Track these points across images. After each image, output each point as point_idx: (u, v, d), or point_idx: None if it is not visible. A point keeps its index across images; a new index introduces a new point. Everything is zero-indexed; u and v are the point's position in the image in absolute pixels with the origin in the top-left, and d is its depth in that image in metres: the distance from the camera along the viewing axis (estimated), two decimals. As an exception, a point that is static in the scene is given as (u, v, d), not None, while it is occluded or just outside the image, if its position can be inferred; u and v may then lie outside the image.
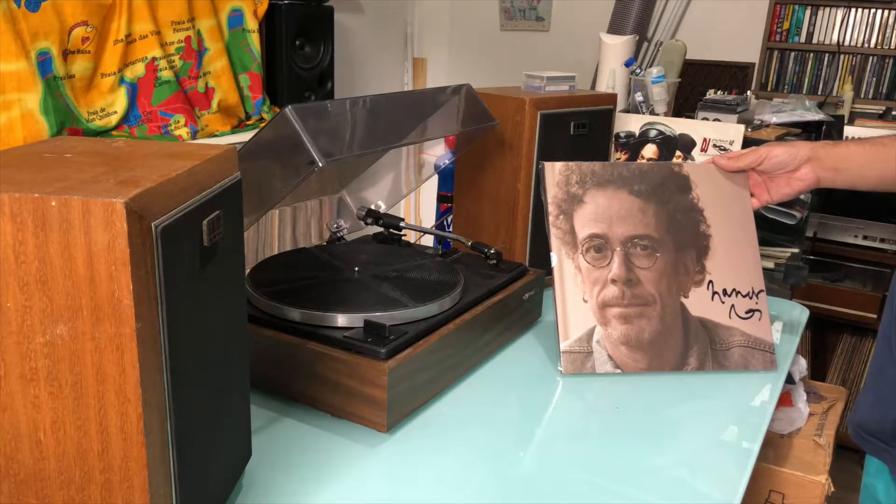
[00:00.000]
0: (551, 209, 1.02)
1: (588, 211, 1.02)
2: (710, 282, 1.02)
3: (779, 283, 1.59)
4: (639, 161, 1.45)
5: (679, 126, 1.43)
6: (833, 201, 2.51)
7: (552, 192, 1.03)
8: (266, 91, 2.53)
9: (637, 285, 1.00)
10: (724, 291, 1.02)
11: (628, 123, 1.47)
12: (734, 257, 1.04)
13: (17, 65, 1.79)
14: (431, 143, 1.31)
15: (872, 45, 2.98)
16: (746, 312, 1.02)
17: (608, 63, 1.89)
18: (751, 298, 1.03)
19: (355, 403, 0.83)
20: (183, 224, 0.53)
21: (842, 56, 3.01)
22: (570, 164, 1.04)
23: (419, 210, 2.48)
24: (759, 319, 1.02)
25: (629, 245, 1.01)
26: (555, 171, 1.04)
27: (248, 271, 0.99)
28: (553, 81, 1.29)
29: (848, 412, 2.40)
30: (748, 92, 2.83)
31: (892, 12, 2.92)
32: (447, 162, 1.39)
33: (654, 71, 1.76)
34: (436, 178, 1.54)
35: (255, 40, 2.43)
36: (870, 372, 1.00)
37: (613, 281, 1.00)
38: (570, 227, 1.02)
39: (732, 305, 1.02)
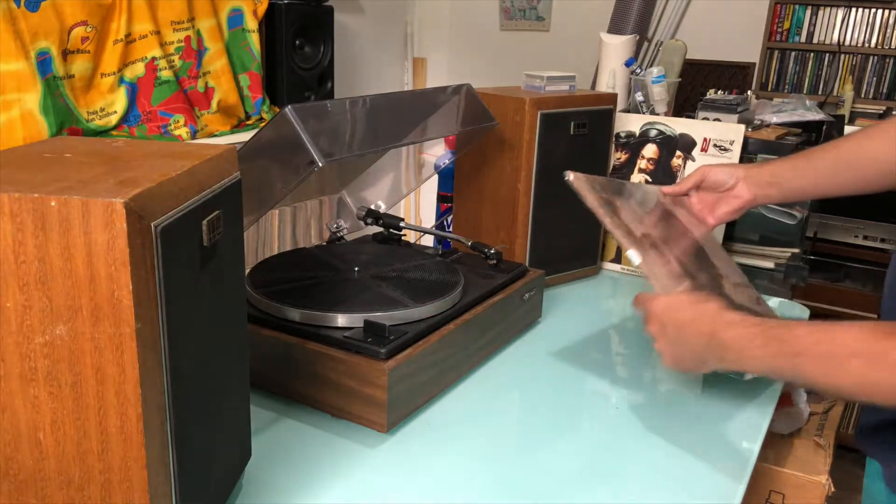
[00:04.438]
0: (604, 212, 0.98)
1: (627, 213, 1.01)
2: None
3: (779, 283, 1.59)
4: (638, 163, 1.45)
5: (679, 126, 1.43)
6: (833, 201, 2.51)
7: (591, 197, 0.99)
8: (266, 91, 2.53)
9: (696, 282, 0.99)
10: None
11: (628, 123, 1.46)
12: (730, 273, 1.07)
13: (17, 65, 1.79)
14: (431, 143, 1.31)
15: (873, 45, 2.98)
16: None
17: (608, 63, 1.89)
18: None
19: (355, 403, 0.83)
20: (183, 224, 0.53)
21: (842, 56, 3.01)
22: (588, 175, 1.02)
23: (419, 210, 2.48)
24: None
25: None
26: (581, 181, 1.01)
27: (248, 271, 0.99)
28: (553, 81, 1.29)
29: (848, 412, 2.40)
30: (748, 92, 2.82)
31: (892, 12, 2.92)
32: (447, 162, 1.39)
33: (654, 71, 1.76)
34: (436, 178, 1.54)
35: (254, 40, 2.43)
36: None
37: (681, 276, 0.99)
38: (627, 227, 0.98)
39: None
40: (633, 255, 0.96)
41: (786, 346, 0.74)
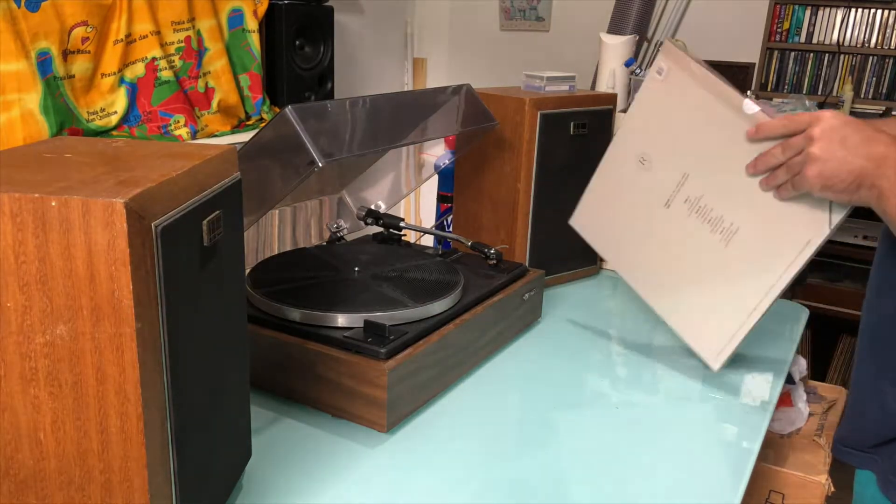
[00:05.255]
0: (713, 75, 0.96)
1: None
2: None
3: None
4: None
5: (679, 126, 1.43)
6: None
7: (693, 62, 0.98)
8: (266, 91, 2.53)
9: None
10: None
11: (628, 123, 1.46)
12: None
13: (17, 65, 1.79)
14: (431, 143, 1.31)
15: (872, 45, 2.98)
16: None
17: (608, 63, 1.89)
18: None
19: (355, 403, 0.83)
20: (183, 224, 0.53)
21: (842, 56, 3.01)
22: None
23: (419, 210, 2.48)
24: None
25: None
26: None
27: (248, 271, 0.99)
28: (553, 81, 1.29)
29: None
30: (748, 92, 2.82)
31: (892, 12, 2.92)
32: (447, 162, 1.39)
33: (655, 71, 1.75)
34: (436, 178, 1.54)
35: (255, 40, 2.43)
36: (850, 388, 1.00)
37: None
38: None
39: None
40: (749, 104, 0.91)
41: None
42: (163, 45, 2.16)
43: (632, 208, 1.05)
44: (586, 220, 1.14)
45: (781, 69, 3.12)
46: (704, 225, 0.97)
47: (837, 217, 0.87)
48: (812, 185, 0.82)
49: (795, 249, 0.91)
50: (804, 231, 0.90)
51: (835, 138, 0.79)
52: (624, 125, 1.06)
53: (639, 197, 1.04)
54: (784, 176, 0.86)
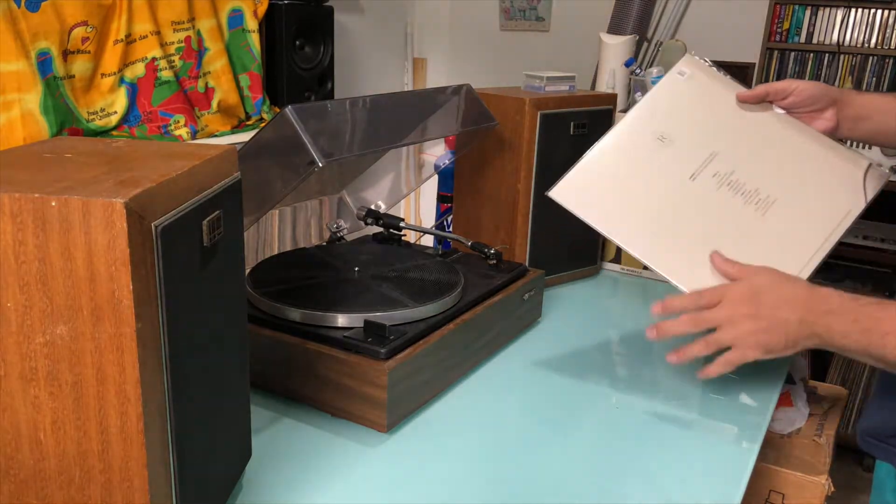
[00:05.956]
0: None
1: None
2: None
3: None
4: None
5: (679, 126, 1.43)
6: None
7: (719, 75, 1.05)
8: (266, 91, 2.53)
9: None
10: None
11: (628, 123, 1.46)
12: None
13: (17, 65, 1.79)
14: (431, 143, 1.31)
15: (872, 45, 2.97)
16: None
17: (608, 63, 1.89)
18: None
19: (355, 403, 0.83)
20: (183, 224, 0.53)
21: (842, 56, 3.01)
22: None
23: (419, 210, 2.47)
24: None
25: None
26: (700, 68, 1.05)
27: (248, 271, 0.99)
28: (553, 81, 1.29)
29: (848, 412, 2.39)
30: (748, 92, 2.81)
31: (892, 12, 2.92)
32: (447, 162, 1.39)
33: (654, 71, 1.76)
34: (436, 178, 1.54)
35: (255, 40, 2.43)
36: (877, 378, 1.00)
37: None
38: None
39: None
40: (776, 107, 1.00)
41: (879, 324, 0.75)
42: (163, 45, 2.16)
43: (646, 180, 1.02)
44: (576, 192, 1.06)
45: (781, 69, 3.12)
46: (737, 197, 0.98)
47: (872, 188, 0.94)
48: (756, 355, 0.85)
49: (835, 220, 0.95)
50: (843, 202, 0.95)
51: (753, 318, 0.83)
52: (639, 107, 1.04)
53: (656, 170, 1.00)
54: (706, 350, 0.88)
